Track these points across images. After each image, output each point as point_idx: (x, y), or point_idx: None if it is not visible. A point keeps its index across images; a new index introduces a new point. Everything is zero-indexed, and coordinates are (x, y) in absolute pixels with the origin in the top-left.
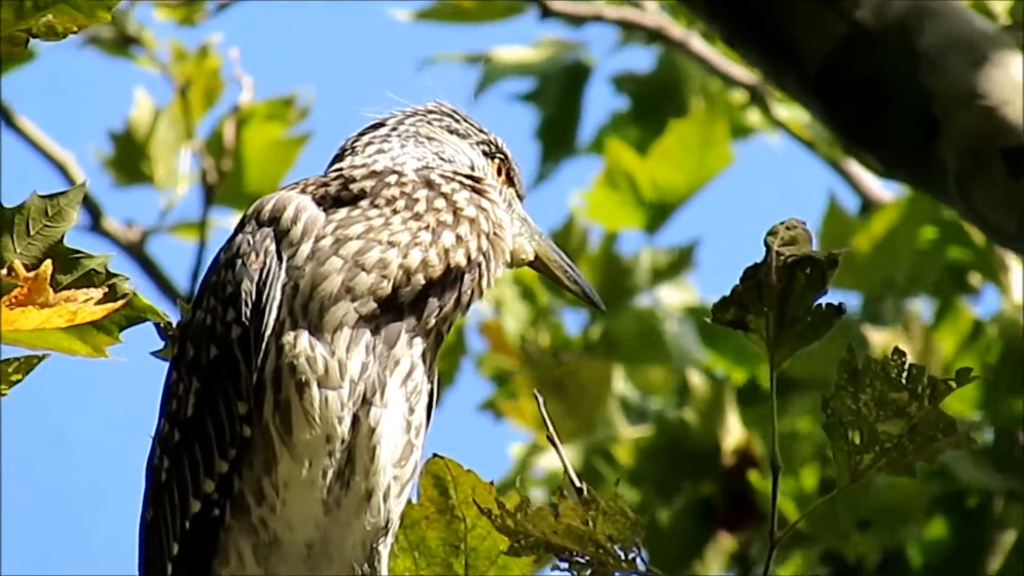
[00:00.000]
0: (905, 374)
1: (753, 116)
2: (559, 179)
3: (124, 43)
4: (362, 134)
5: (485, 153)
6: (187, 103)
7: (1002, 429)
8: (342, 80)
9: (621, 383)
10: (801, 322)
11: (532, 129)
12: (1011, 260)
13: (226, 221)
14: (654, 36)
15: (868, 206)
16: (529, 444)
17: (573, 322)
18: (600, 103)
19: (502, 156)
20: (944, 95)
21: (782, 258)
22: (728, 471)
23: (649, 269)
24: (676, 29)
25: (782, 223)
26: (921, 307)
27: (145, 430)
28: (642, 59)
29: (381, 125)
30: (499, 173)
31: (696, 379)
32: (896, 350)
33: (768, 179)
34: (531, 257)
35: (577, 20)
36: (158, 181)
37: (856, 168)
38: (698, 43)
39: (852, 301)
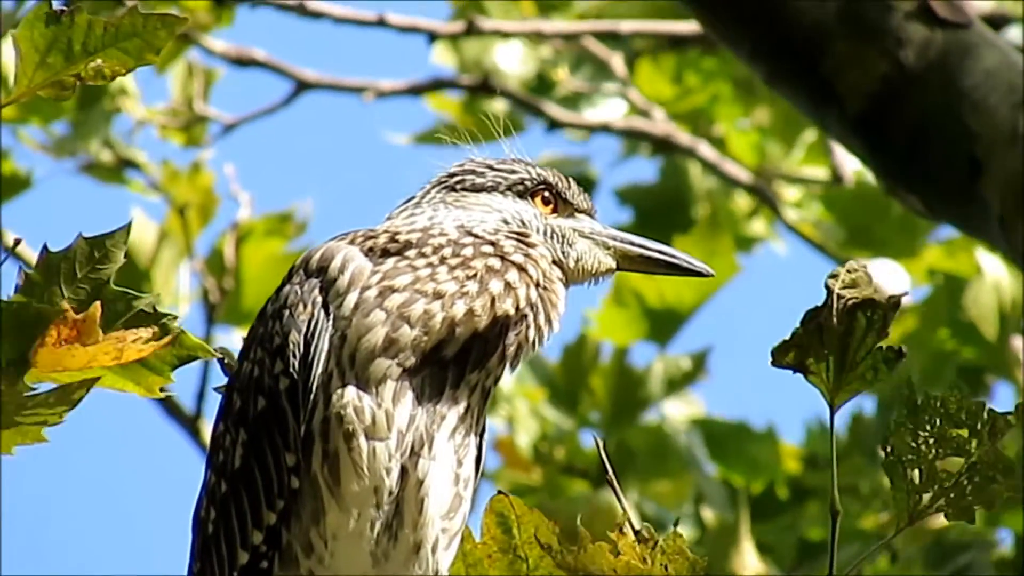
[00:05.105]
0: (965, 411)
1: (758, 225)
2: (569, 296)
3: (119, 166)
4: (399, 207)
5: (521, 193)
6: (184, 222)
7: (1022, 538)
8: (340, 195)
9: (636, 495)
10: (862, 366)
11: None
12: None
13: (228, 339)
14: (662, 144)
15: None
16: None
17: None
18: (604, 216)
19: (544, 185)
20: (987, 135)
21: (843, 301)
22: None
23: (662, 379)
24: (684, 136)
25: (843, 266)
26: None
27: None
28: (646, 170)
29: (412, 198)
30: (546, 204)
31: (709, 515)
32: (955, 386)
33: (779, 283)
34: (613, 266)
35: (583, 130)
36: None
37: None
38: (706, 149)
39: (866, 405)
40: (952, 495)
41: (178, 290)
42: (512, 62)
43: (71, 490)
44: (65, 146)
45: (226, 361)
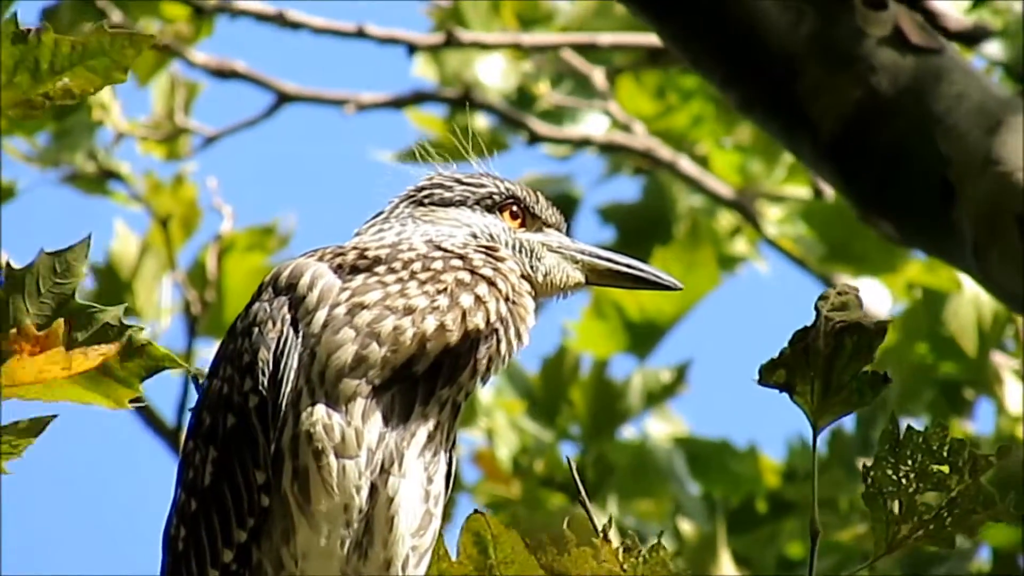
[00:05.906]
0: (946, 447)
1: (740, 244)
2: (549, 307)
3: (102, 177)
4: (367, 223)
5: (489, 207)
6: (167, 234)
7: (1000, 552)
8: (322, 207)
9: (616, 511)
10: (846, 389)
11: None
12: (1005, 373)
13: (210, 352)
14: (643, 158)
15: None
16: None
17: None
18: (587, 235)
19: (513, 199)
20: (960, 161)
21: (831, 323)
22: None
23: (642, 392)
24: (664, 150)
25: (834, 288)
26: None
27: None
28: (629, 189)
29: (381, 213)
30: (514, 218)
31: (687, 527)
32: (937, 423)
33: (758, 297)
34: (582, 280)
35: (565, 144)
36: (141, 313)
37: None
38: (687, 164)
39: (847, 420)
40: (932, 526)
41: (160, 302)
42: (493, 76)
43: (53, 504)
44: (49, 157)
45: (200, 381)
